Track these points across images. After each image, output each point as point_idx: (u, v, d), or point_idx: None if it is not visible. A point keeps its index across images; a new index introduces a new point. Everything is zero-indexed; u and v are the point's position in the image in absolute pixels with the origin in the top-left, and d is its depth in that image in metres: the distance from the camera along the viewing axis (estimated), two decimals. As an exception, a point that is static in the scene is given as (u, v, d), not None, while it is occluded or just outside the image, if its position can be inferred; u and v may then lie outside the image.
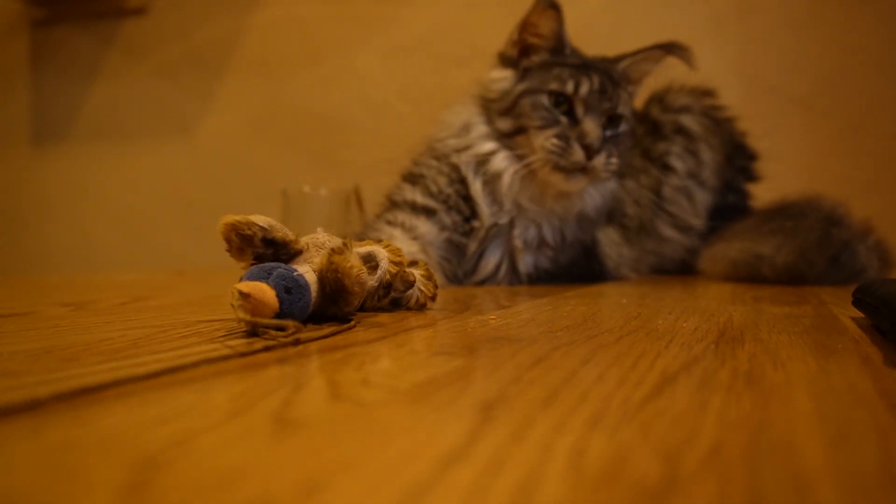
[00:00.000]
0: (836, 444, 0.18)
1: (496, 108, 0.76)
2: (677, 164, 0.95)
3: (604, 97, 0.74)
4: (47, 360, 0.27)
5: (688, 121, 0.96)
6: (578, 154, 0.71)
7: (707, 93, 1.01)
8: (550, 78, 0.74)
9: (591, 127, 0.72)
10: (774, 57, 1.21)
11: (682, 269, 0.95)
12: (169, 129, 1.62)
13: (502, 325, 0.39)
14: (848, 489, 0.15)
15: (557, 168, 0.72)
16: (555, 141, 0.72)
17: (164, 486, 0.14)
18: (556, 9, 0.75)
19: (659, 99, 1.00)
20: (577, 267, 0.80)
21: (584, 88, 0.73)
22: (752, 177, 1.01)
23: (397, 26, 1.42)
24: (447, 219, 0.74)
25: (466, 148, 0.76)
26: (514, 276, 0.76)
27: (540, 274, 0.77)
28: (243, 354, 0.29)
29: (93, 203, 1.69)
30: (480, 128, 0.77)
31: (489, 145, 0.76)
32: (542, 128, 0.73)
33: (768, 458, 0.16)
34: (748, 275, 0.78)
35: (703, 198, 0.95)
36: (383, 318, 0.42)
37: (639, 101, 1.02)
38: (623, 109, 0.76)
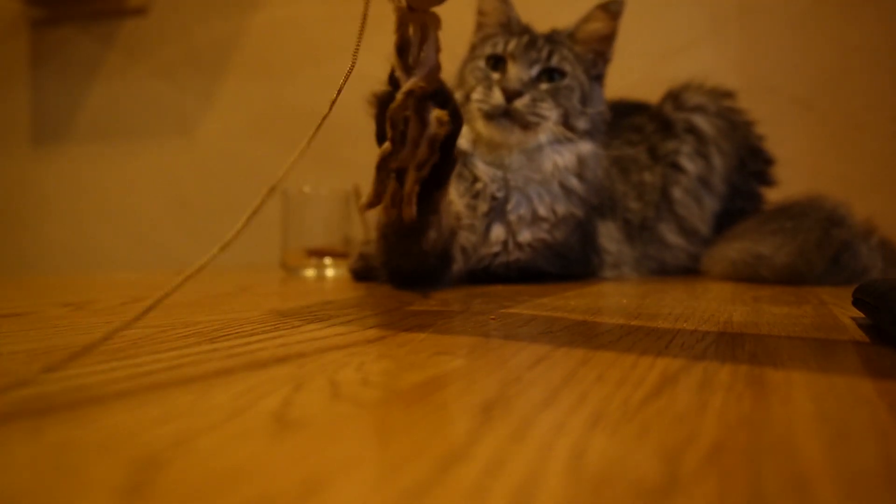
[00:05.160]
0: (836, 444, 0.18)
1: (453, 86, 0.79)
2: (688, 165, 0.94)
3: (532, 49, 0.77)
4: (47, 360, 0.27)
5: (700, 121, 0.95)
6: (497, 96, 0.74)
7: (726, 94, 0.99)
8: (488, 45, 0.79)
9: (513, 72, 0.75)
10: (774, 57, 1.21)
11: (686, 273, 0.94)
12: (169, 129, 1.62)
13: (502, 325, 0.39)
14: (848, 489, 0.15)
15: (485, 116, 0.74)
16: (480, 89, 0.75)
17: (164, 487, 0.14)
18: None
19: (674, 97, 0.99)
20: (574, 250, 0.80)
21: (512, 45, 0.77)
22: (767, 181, 0.99)
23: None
24: (460, 186, 0.75)
25: None
26: (519, 249, 0.77)
27: (539, 246, 0.77)
28: (243, 355, 0.29)
29: (93, 203, 1.69)
30: None
31: None
32: (475, 87, 0.76)
33: (768, 458, 0.16)
34: (748, 275, 0.78)
35: (711, 204, 0.94)
36: (384, 317, 0.42)
37: (654, 98, 1.02)
38: (562, 64, 0.78)
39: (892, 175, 1.15)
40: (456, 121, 0.48)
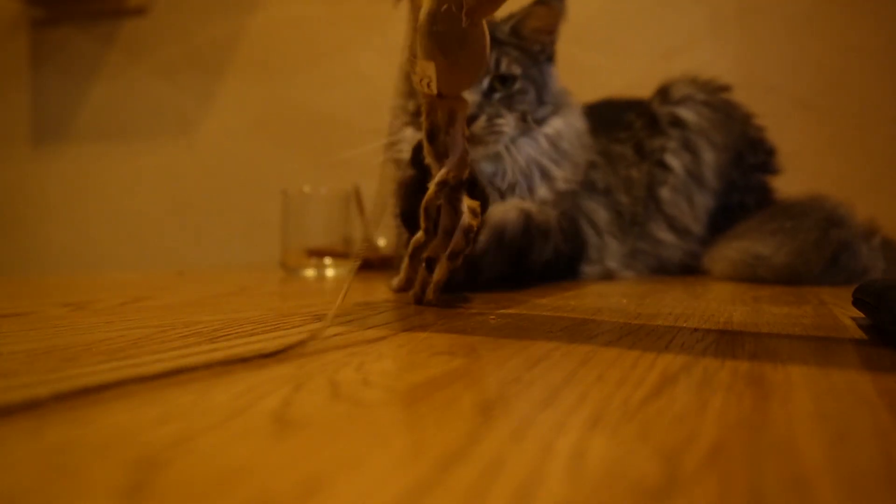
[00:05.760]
0: (836, 444, 0.18)
1: (403, 91, 0.79)
2: (674, 162, 0.92)
3: None
4: (47, 360, 0.27)
5: (685, 113, 0.93)
6: None
7: (721, 87, 0.97)
8: None
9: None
10: (774, 57, 1.21)
11: (684, 272, 0.92)
12: (169, 129, 1.62)
13: (502, 325, 0.39)
14: (848, 489, 0.15)
15: None
16: None
17: (164, 486, 0.14)
18: None
19: (663, 91, 0.97)
20: (572, 222, 0.78)
21: None
22: (771, 170, 0.98)
23: (397, 26, 1.42)
24: None
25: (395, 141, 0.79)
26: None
27: (551, 197, 0.76)
28: (243, 355, 0.29)
29: (93, 203, 1.69)
30: (402, 115, 0.79)
31: (408, 131, 0.78)
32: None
33: (768, 458, 0.16)
34: (747, 275, 0.78)
35: (703, 201, 0.92)
36: (384, 317, 0.42)
37: (647, 94, 1.01)
38: (511, 69, 0.76)
39: (892, 175, 1.15)
40: (484, 201, 0.49)
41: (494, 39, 0.76)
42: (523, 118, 0.76)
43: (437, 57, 0.43)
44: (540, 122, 0.78)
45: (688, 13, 1.25)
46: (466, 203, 0.46)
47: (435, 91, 0.43)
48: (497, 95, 0.75)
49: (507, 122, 0.74)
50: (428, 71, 0.43)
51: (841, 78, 1.18)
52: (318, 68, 1.49)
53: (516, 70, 0.76)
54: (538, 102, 0.78)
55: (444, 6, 0.41)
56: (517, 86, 0.76)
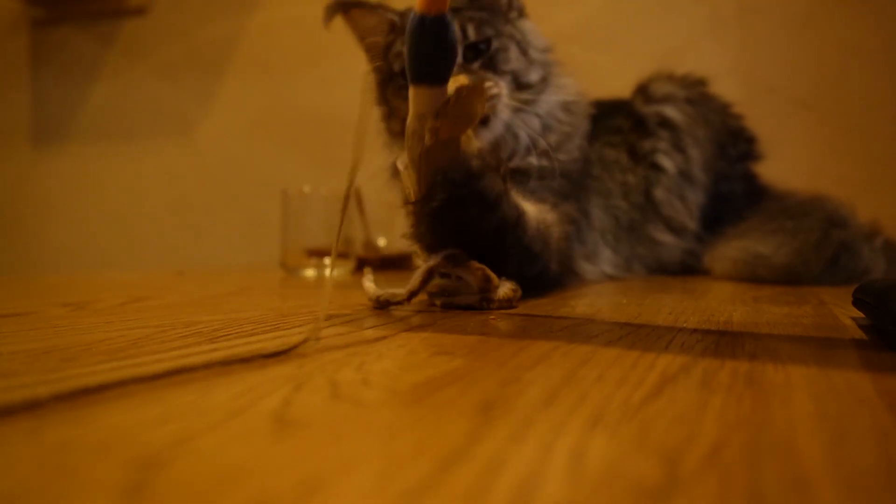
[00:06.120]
0: (836, 444, 0.18)
1: (382, 114, 0.77)
2: (667, 163, 0.91)
3: None
4: (47, 360, 0.27)
5: (671, 111, 0.93)
6: None
7: (698, 82, 0.97)
8: (396, 61, 0.72)
9: None
10: (774, 57, 1.21)
11: (684, 271, 0.92)
12: (169, 129, 1.62)
13: (502, 325, 0.39)
14: (848, 489, 0.15)
15: None
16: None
17: (164, 486, 0.14)
18: (345, 9, 0.78)
19: (643, 89, 0.97)
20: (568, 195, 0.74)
21: None
22: (753, 157, 0.97)
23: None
24: None
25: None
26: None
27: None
28: (243, 355, 0.29)
29: (93, 203, 1.69)
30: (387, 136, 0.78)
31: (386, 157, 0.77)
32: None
33: (768, 458, 0.16)
34: (747, 274, 0.78)
35: (695, 197, 0.92)
36: (384, 317, 0.42)
37: (627, 92, 1.01)
38: (481, 32, 0.70)
39: (892, 175, 1.15)
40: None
41: (453, 9, 0.66)
42: (516, 83, 0.71)
43: (410, 169, 0.46)
44: (534, 87, 0.73)
45: (688, 13, 1.25)
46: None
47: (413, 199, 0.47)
48: (476, 64, 0.69)
49: (498, 85, 0.68)
50: (406, 181, 0.47)
51: (841, 78, 1.18)
52: (318, 68, 1.49)
53: (488, 31, 0.71)
54: (526, 60, 0.73)
55: (415, 125, 0.45)
56: (494, 46, 0.70)
